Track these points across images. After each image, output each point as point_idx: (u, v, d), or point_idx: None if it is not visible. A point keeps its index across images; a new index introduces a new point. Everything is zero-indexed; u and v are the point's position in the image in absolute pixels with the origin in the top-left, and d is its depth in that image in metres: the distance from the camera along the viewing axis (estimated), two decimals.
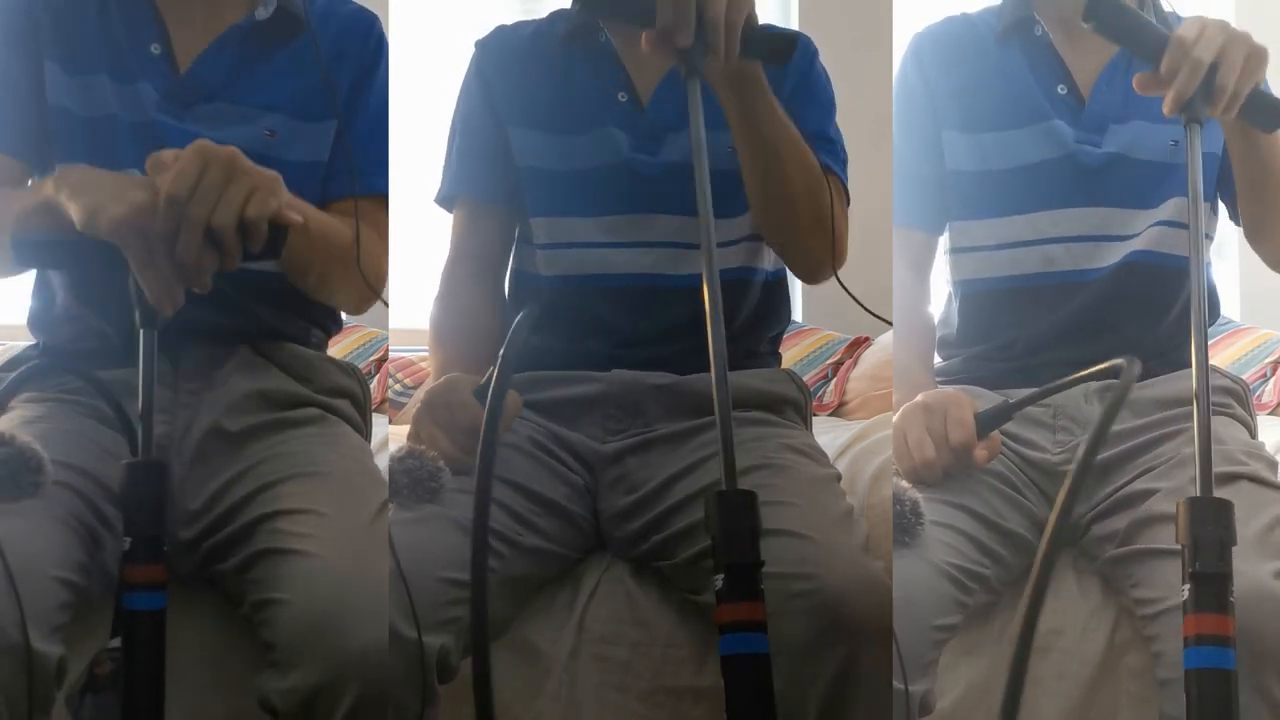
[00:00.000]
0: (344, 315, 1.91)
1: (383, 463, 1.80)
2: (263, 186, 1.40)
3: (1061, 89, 1.86)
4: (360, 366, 1.91)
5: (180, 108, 1.73)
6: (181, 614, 1.51)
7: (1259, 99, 1.58)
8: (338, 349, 2.04)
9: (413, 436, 1.69)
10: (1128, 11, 1.58)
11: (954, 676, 1.72)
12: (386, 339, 3.05)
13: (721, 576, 1.31)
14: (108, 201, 1.40)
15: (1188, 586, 1.30)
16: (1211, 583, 1.29)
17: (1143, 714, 1.68)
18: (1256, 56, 1.54)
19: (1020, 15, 1.88)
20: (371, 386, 2.67)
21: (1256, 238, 1.83)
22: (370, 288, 1.70)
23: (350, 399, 1.81)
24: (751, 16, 1.55)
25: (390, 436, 2.15)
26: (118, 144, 1.71)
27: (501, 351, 1.15)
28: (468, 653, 1.63)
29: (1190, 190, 1.48)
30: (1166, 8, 1.88)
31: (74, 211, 1.43)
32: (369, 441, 1.82)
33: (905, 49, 1.93)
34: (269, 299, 1.74)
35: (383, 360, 3.04)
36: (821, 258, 1.76)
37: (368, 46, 1.81)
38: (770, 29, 1.60)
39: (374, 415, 1.93)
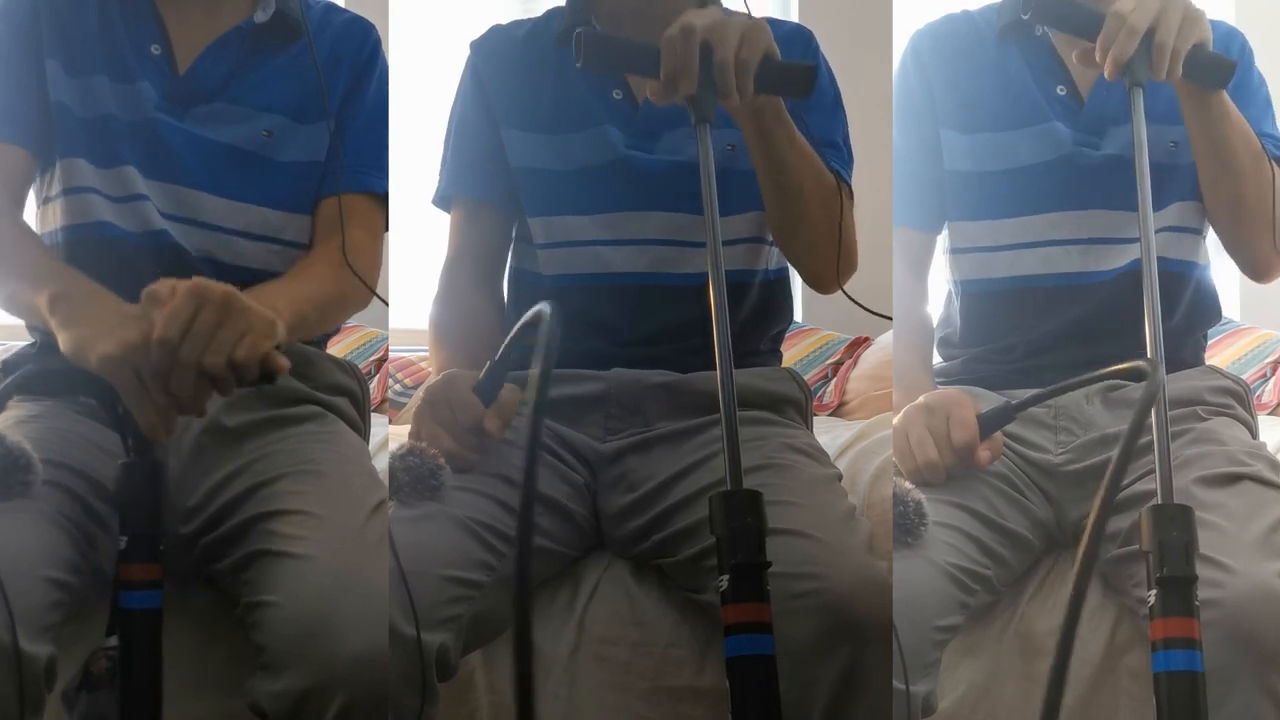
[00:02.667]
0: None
1: (383, 463, 1.80)
2: (255, 329, 1.40)
3: (1060, 90, 1.86)
4: (360, 366, 1.91)
5: (180, 108, 1.75)
6: (178, 613, 1.50)
7: (1201, 57, 1.63)
8: (338, 349, 2.04)
9: (414, 435, 1.69)
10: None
11: (954, 677, 1.72)
12: (386, 339, 3.05)
13: (726, 577, 1.31)
14: (98, 337, 1.40)
15: (1154, 592, 1.32)
16: (1178, 587, 1.32)
17: (1143, 714, 1.68)
18: (1193, 17, 1.60)
19: (1018, 15, 1.87)
20: (371, 387, 2.69)
21: (1225, 235, 1.84)
22: (366, 286, 1.71)
23: (349, 397, 1.81)
24: (769, 51, 1.53)
25: (390, 436, 2.15)
26: (117, 143, 1.72)
27: (540, 353, 1.14)
28: (467, 650, 1.63)
29: (1136, 150, 1.54)
30: None
31: (62, 341, 1.44)
32: (368, 441, 1.82)
33: (904, 47, 1.93)
34: None
35: (383, 360, 3.04)
36: (832, 269, 1.77)
37: (363, 51, 1.83)
38: (786, 62, 1.57)
39: (374, 415, 1.93)
